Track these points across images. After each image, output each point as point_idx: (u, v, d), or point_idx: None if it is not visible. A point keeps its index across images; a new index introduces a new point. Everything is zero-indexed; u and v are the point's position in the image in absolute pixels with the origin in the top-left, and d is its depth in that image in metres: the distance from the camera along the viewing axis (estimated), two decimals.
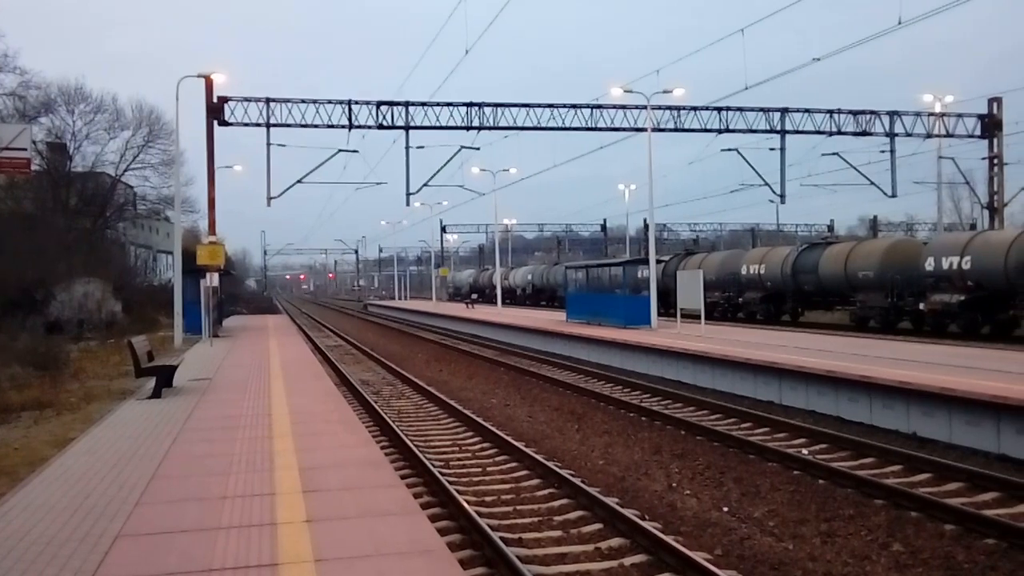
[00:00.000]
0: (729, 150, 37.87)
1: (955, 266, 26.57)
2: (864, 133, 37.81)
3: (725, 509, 9.68)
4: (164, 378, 15.71)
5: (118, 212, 55.09)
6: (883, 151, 38.16)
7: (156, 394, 15.11)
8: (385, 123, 34.88)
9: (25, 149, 8.93)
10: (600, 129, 35.93)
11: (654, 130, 32.43)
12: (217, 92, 32.65)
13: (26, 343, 22.60)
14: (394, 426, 14.23)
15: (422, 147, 36.11)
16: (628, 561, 7.79)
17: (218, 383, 17.05)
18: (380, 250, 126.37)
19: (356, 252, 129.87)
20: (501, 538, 8.08)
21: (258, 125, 33.55)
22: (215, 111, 32.59)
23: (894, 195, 38.44)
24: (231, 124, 33.22)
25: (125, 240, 58.71)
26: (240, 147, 45.63)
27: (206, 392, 15.58)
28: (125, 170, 53.06)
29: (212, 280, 29.47)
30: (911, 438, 13.07)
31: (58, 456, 10.08)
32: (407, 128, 34.94)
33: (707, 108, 36.03)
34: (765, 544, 8.42)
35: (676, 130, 36.22)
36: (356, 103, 34.56)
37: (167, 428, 11.69)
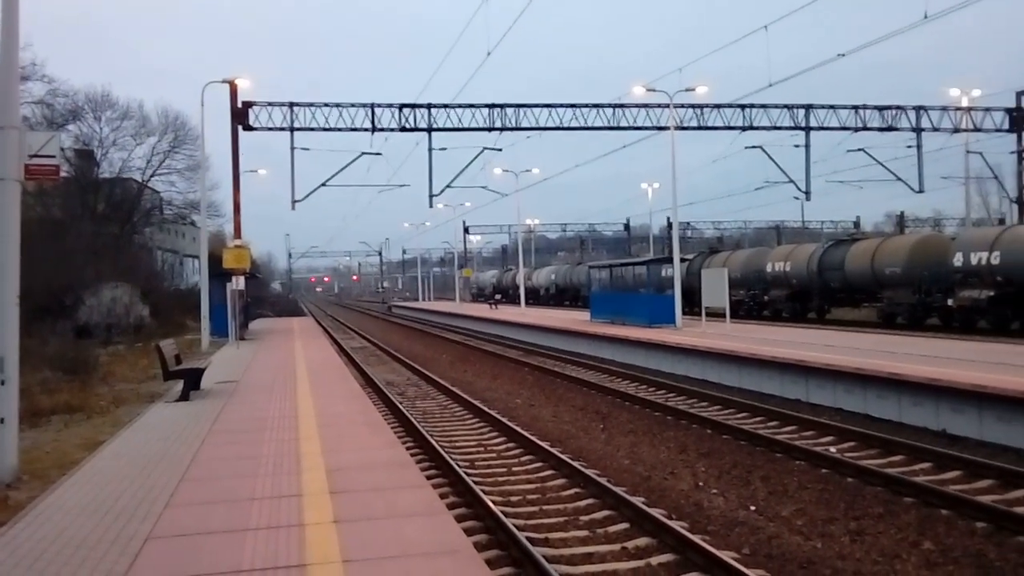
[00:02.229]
0: (753, 147, 37.69)
1: (984, 261, 26.24)
2: (890, 128, 37.46)
3: (752, 508, 9.63)
4: (192, 381, 15.84)
5: (145, 217, 55.63)
6: (909, 146, 37.85)
7: (184, 397, 15.25)
8: (408, 125, 35.02)
9: (54, 156, 9.01)
10: (623, 128, 35.87)
11: (677, 128, 32.27)
12: (241, 97, 32.95)
13: (56, 348, 22.85)
14: (419, 427, 14.27)
15: (444, 149, 36.24)
16: (655, 560, 7.76)
17: (245, 385, 17.18)
18: (404, 252, 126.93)
19: (380, 254, 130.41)
20: (527, 538, 8.08)
21: (282, 129, 33.82)
22: (240, 116, 32.86)
23: (921, 190, 38.11)
24: (255, 129, 33.49)
25: (152, 245, 59.23)
26: (265, 151, 45.95)
27: (233, 395, 15.70)
28: (151, 176, 53.59)
29: (238, 283, 29.69)
30: (941, 435, 12.93)
31: (88, 459, 10.20)
32: (430, 130, 35.07)
33: (730, 106, 35.86)
34: (793, 543, 8.36)
35: (699, 128, 36.09)
36: (379, 106, 34.73)
37: (195, 431, 11.79)
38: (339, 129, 34.36)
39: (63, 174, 36.56)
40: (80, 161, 48.72)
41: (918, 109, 37.51)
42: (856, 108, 36.95)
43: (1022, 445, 11.67)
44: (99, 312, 32.37)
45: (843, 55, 25.35)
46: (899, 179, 38.38)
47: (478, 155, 37.46)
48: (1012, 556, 7.70)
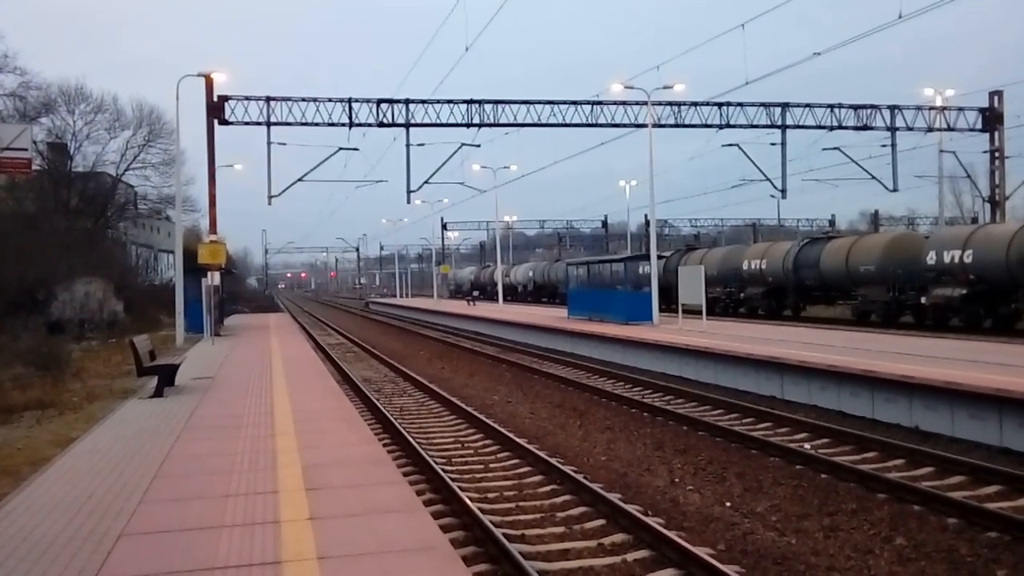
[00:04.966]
0: (730, 145, 37.85)
1: (957, 260, 26.54)
2: (865, 127, 37.77)
3: (728, 504, 9.68)
4: (166, 377, 15.71)
5: (119, 212, 55.08)
6: (884, 145, 38.18)
7: (158, 393, 15.11)
8: (385, 121, 34.88)
9: (26, 149, 8.91)
10: (601, 125, 35.92)
11: (655, 126, 32.39)
12: (217, 91, 32.67)
13: (28, 343, 22.60)
14: (396, 423, 14.24)
15: (422, 145, 36.10)
16: (631, 557, 7.79)
17: (220, 382, 17.06)
18: (381, 248, 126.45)
19: (357, 250, 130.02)
20: (504, 534, 8.08)
21: (258, 124, 33.58)
22: (215, 110, 32.60)
23: (895, 189, 38.46)
24: (231, 123, 33.24)
25: (126, 240, 58.68)
26: (241, 145, 45.67)
27: (208, 391, 15.59)
28: (126, 170, 53.09)
29: (213, 279, 29.49)
30: (914, 432, 13.06)
31: (61, 456, 10.08)
32: (407, 126, 34.94)
33: (708, 104, 36.01)
34: (768, 539, 8.41)
35: (677, 126, 36.21)
36: (356, 101, 34.57)
37: (169, 427, 11.69)
38: (316, 124, 34.18)
39: (35, 167, 36.17)
40: (53, 154, 48.20)
41: (893, 108, 37.84)
42: (832, 107, 37.21)
43: (993, 442, 11.81)
44: (72, 307, 32.02)
45: (819, 54, 25.58)
46: (874, 178, 38.73)
47: (456, 151, 37.35)
48: (983, 552, 7.79)
